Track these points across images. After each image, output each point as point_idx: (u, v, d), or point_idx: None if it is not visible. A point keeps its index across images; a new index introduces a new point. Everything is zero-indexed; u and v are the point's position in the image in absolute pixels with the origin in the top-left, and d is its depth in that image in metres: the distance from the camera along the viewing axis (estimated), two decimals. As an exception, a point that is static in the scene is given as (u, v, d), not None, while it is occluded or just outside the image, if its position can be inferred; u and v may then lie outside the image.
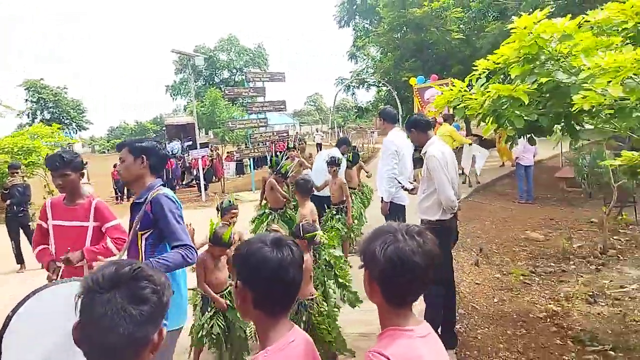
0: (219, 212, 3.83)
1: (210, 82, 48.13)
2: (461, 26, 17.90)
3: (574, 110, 2.93)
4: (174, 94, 52.00)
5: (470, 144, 10.78)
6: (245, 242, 1.37)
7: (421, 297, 3.73)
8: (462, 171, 11.90)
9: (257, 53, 50.68)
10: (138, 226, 2.42)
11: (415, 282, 1.24)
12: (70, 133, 50.72)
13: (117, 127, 74.71)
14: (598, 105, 2.80)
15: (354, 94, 26.34)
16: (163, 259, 2.25)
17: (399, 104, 17.95)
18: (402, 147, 4.77)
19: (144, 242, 2.43)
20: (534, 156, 9.87)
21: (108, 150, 57.17)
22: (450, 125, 10.67)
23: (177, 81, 49.75)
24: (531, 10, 12.19)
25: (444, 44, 17.32)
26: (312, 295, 3.32)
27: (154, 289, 1.08)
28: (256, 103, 14.49)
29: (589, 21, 3.37)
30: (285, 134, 18.20)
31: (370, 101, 26.96)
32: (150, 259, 2.25)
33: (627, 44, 3.04)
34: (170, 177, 17.50)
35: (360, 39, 23.98)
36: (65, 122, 50.51)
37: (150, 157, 2.49)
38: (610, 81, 2.55)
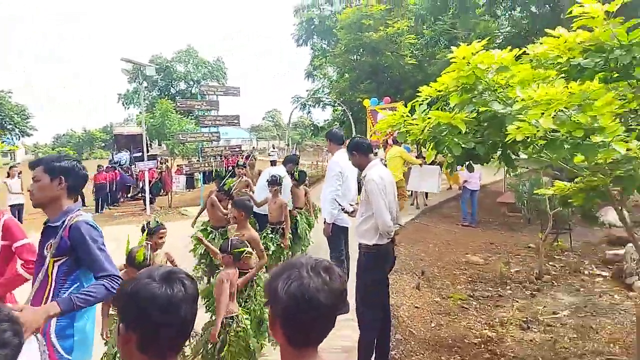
0: (145, 234, 3.61)
1: (166, 93, 47.04)
2: (415, 52, 18.46)
3: (509, 140, 3.00)
4: (126, 103, 50.42)
5: (420, 165, 10.98)
6: (128, 280, 1.24)
7: (356, 323, 3.68)
8: (411, 192, 12.12)
9: (215, 66, 50.17)
10: (53, 252, 2.20)
11: (320, 321, 1.16)
12: (12, 139, 47.95)
13: (63, 135, 71.43)
14: (531, 136, 2.87)
15: (309, 112, 26.52)
16: (85, 293, 2.06)
17: (353, 124, 18.16)
18: (346, 169, 4.74)
19: (56, 269, 2.21)
20: (479, 180, 10.17)
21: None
22: (400, 146, 10.85)
23: (131, 90, 48.28)
24: (479, 40, 12.79)
25: (398, 68, 17.78)
26: (233, 313, 3.20)
27: (15, 330, 0.95)
28: (209, 116, 14.21)
29: (528, 54, 3.49)
30: (238, 149, 17.96)
31: (326, 120, 27.22)
32: (72, 294, 2.06)
33: (561, 77, 3.16)
34: (115, 189, 16.76)
35: (317, 59, 24.23)
36: (8, 127, 47.74)
37: (69, 178, 2.26)
38: (543, 113, 2.61)
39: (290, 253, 5.91)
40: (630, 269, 5.70)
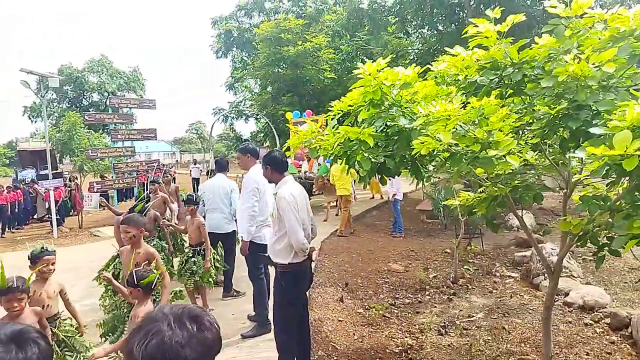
0: (30, 262, 3.23)
1: (77, 105, 44.19)
2: (334, 66, 18.87)
3: (416, 154, 3.08)
4: (32, 117, 46.58)
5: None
6: None
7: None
8: (336, 203, 12.25)
9: (132, 77, 47.93)
10: None
11: None
12: None
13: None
14: (435, 150, 2.97)
15: (232, 124, 26.07)
16: None
17: (277, 137, 18.12)
18: (264, 184, 4.64)
19: None
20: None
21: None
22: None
23: (37, 102, 44.69)
24: (393, 56, 13.34)
25: (318, 82, 18.10)
26: None
27: None
28: (122, 130, 13.48)
29: (432, 71, 3.63)
30: (156, 163, 17.16)
31: (252, 132, 26.94)
32: None
33: (461, 94, 3.31)
34: (17, 210, 15.29)
35: (237, 71, 23.97)
36: None
37: None
38: (445, 126, 2.70)
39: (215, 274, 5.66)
40: (537, 269, 6.12)
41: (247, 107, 23.28)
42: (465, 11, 13.23)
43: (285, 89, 18.74)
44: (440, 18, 13.86)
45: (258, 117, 22.34)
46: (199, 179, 19.36)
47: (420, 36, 16.09)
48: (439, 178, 7.79)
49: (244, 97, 24.34)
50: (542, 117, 2.81)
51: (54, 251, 3.29)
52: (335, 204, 12.26)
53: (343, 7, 18.65)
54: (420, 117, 2.80)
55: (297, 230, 3.29)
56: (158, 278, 3.20)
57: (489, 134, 2.59)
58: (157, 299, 3.67)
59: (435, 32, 14.78)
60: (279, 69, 19.15)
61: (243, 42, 23.10)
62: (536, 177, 3.58)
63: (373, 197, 15.04)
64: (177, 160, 56.54)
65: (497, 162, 2.67)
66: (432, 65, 3.64)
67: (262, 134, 23.76)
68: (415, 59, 13.71)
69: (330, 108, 3.65)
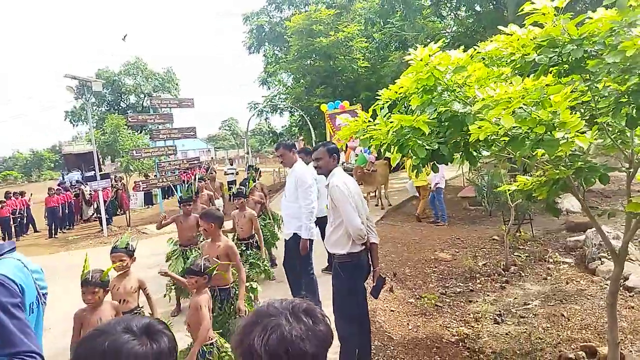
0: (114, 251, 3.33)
1: (116, 108, 45.65)
2: (367, 55, 18.67)
3: (472, 139, 3.01)
4: (74, 121, 48.47)
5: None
6: (97, 333, 1.04)
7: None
8: (375, 193, 12.20)
9: (166, 78, 49.08)
10: None
11: None
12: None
13: (9, 157, 67.86)
14: (493, 134, 2.89)
15: (267, 118, 26.30)
16: None
17: (312, 129, 18.14)
18: (315, 179, 4.68)
19: None
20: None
21: (-1, 182, 51.63)
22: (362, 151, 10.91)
23: (77, 107, 46.41)
24: (428, 40, 13.08)
25: (352, 72, 17.95)
26: (212, 340, 3.03)
27: None
28: (163, 130, 13.82)
29: (480, 53, 3.53)
30: (196, 161, 17.54)
31: (284, 126, 27.07)
32: None
33: (516, 74, 3.21)
34: (67, 211, 15.98)
35: (270, 66, 24.07)
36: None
37: None
38: (503, 111, 2.62)
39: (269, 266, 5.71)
40: (592, 254, 5.90)
41: (281, 101, 23.39)
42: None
43: (319, 81, 18.69)
44: (477, -2, 13.47)
45: (292, 110, 22.42)
46: (235, 181, 16.62)
47: (455, 18, 15.68)
48: (484, 163, 7.60)
49: (278, 92, 24.47)
50: (609, 94, 2.68)
51: (126, 248, 3.32)
52: (374, 194, 12.19)
53: (375, -6, 18.40)
54: (478, 102, 2.73)
55: (354, 218, 3.27)
56: (217, 270, 3.29)
57: (554, 114, 2.50)
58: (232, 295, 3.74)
59: (472, 13, 14.36)
60: (312, 61, 19.11)
61: (275, 36, 23.15)
62: (598, 157, 3.45)
63: (412, 186, 14.85)
64: (212, 157, 57.59)
65: (562, 143, 2.58)
66: (478, 46, 3.54)
67: (296, 128, 23.84)
68: (452, 41, 13.37)
69: (377, 96, 3.62)
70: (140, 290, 3.34)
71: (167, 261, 5.49)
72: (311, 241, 4.54)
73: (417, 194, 10.62)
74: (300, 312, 1.04)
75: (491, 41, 3.43)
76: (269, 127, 28.70)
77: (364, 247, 3.42)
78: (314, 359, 1.00)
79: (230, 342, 3.37)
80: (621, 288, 5.13)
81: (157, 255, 6.91)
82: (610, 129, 3.26)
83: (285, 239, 4.85)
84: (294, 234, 4.60)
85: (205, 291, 3.18)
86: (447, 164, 3.71)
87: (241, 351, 1.02)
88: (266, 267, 5.37)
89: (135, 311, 3.34)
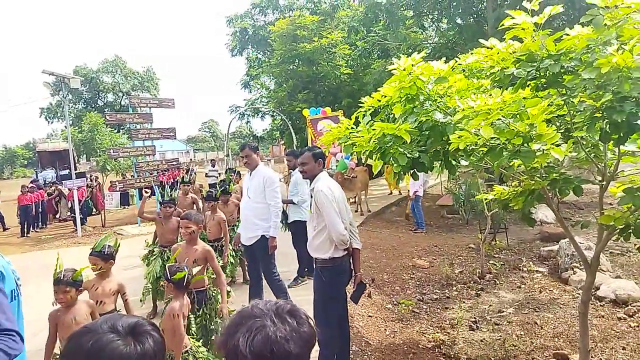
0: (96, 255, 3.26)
1: (93, 106, 44.86)
2: (349, 62, 18.82)
3: (451, 148, 3.07)
4: (49, 117, 47.43)
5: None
6: (84, 331, 1.03)
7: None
8: (354, 199, 12.26)
9: (146, 77, 48.49)
10: None
11: None
12: None
13: (-22, 153, 65.82)
14: (472, 144, 2.96)
15: (248, 122, 26.20)
16: None
17: (293, 134, 18.15)
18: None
19: None
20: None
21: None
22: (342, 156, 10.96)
23: (54, 104, 45.43)
24: (410, 50, 13.26)
25: (334, 78, 18.08)
26: (186, 347, 2.99)
27: None
28: (142, 130, 13.62)
29: (461, 64, 3.61)
30: (175, 162, 17.33)
31: (265, 129, 26.99)
32: None
33: (495, 86, 3.29)
34: (40, 210, 15.57)
35: (253, 69, 24.04)
36: None
37: None
38: (484, 121, 2.68)
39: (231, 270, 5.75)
40: (565, 263, 6.06)
41: (263, 105, 23.35)
42: (485, 4, 13.09)
43: (301, 86, 18.74)
44: (458, 11, 13.73)
45: (274, 114, 22.40)
46: (215, 184, 16.72)
47: (437, 30, 15.95)
48: (462, 172, 7.74)
49: (260, 95, 24.43)
50: (584, 109, 2.78)
51: (100, 252, 3.25)
52: (353, 200, 12.25)
53: (360, 3, 18.57)
54: (459, 112, 2.79)
55: (337, 223, 3.30)
56: (190, 276, 3.24)
57: (531, 127, 2.57)
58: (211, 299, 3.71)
59: (454, 26, 14.65)
60: (295, 66, 19.16)
61: (258, 39, 23.15)
62: (572, 170, 3.56)
63: (391, 193, 15.00)
64: (191, 159, 57.01)
65: (538, 155, 2.66)
66: (459, 58, 3.62)
67: (277, 132, 23.82)
68: (433, 52, 13.59)
69: (360, 103, 3.66)
70: (119, 294, 3.28)
71: (143, 262, 5.41)
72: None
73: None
74: (284, 313, 1.05)
75: (472, 54, 3.52)
76: (249, 130, 28.61)
77: (346, 252, 3.44)
78: (298, 359, 1.01)
79: (210, 344, 3.35)
80: (592, 297, 5.28)
81: (134, 257, 6.79)
82: (584, 142, 3.37)
83: (245, 244, 4.79)
84: (262, 236, 4.56)
85: (183, 297, 3.13)
86: (426, 172, 3.78)
87: (226, 352, 1.02)
88: (229, 270, 5.35)
89: (111, 313, 3.28)
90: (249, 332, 1.00)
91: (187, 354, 2.91)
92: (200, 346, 3.09)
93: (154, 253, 5.29)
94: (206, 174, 17.06)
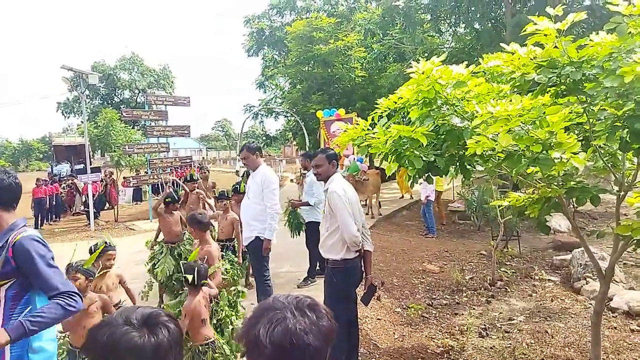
0: (93, 256, 3.33)
1: (109, 102, 45.36)
2: (365, 64, 18.79)
3: (468, 153, 3.06)
4: (66, 112, 48.07)
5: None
6: (101, 324, 1.06)
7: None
8: (365, 202, 12.24)
9: (162, 75, 48.92)
10: None
11: None
12: None
13: (-2, 145, 67.06)
14: (489, 150, 2.94)
15: (262, 122, 26.31)
16: (38, 315, 1.87)
17: (306, 135, 18.17)
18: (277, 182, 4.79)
19: (2, 293, 2.01)
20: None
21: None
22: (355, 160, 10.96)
23: (71, 99, 46.03)
24: (426, 54, 13.21)
25: (349, 80, 18.05)
26: (208, 340, 3.03)
27: None
28: (157, 127, 13.76)
29: (481, 68, 3.59)
30: (188, 160, 17.47)
31: (278, 130, 27.05)
32: (23, 319, 1.85)
33: (514, 92, 3.27)
34: (55, 203, 15.80)
35: (268, 69, 24.11)
36: None
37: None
38: (502, 127, 2.66)
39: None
40: (578, 273, 5.98)
41: (277, 105, 23.41)
42: (504, 9, 13.00)
43: (316, 87, 18.74)
44: (477, 16, 13.65)
45: (287, 115, 22.45)
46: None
47: (454, 34, 15.88)
48: (475, 178, 7.69)
49: (275, 95, 24.49)
50: (605, 117, 2.75)
51: (115, 246, 3.43)
52: (364, 202, 12.23)
53: (377, 6, 18.54)
54: (477, 117, 2.77)
55: (350, 224, 3.31)
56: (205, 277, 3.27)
57: (551, 134, 2.55)
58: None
59: (471, 31, 14.56)
60: (310, 67, 19.17)
61: (274, 40, 23.20)
62: (588, 179, 3.52)
63: (402, 197, 14.94)
64: (203, 157, 57.40)
65: (556, 163, 2.64)
66: (480, 62, 3.60)
67: (290, 133, 23.86)
68: (449, 57, 13.52)
69: (376, 105, 3.66)
70: (120, 283, 3.39)
71: (151, 262, 5.39)
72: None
73: None
74: (304, 307, 1.07)
75: (493, 58, 3.50)
76: (262, 130, 28.69)
77: (358, 254, 3.44)
78: (316, 352, 1.03)
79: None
80: (605, 308, 5.20)
81: (145, 252, 6.85)
82: (602, 151, 3.33)
83: (245, 245, 4.85)
84: (256, 237, 4.58)
85: (196, 294, 3.15)
86: (441, 176, 3.77)
87: (246, 342, 1.05)
88: (239, 272, 5.33)
89: (117, 306, 3.39)
90: (269, 323, 1.02)
91: (207, 346, 2.95)
92: (224, 343, 3.11)
93: (161, 250, 5.33)
94: (236, 170, 16.74)
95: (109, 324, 1.03)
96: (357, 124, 3.60)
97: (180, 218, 5.34)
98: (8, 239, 2.01)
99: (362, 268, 3.55)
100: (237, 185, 6.17)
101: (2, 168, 2.16)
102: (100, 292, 3.21)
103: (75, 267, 2.86)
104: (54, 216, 15.93)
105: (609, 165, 3.32)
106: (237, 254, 5.23)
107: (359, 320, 4.84)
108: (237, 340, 1.11)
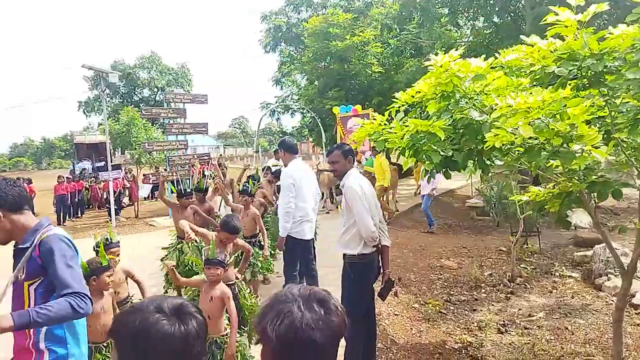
0: (97, 253, 3.32)
1: (129, 100, 45.98)
2: (381, 60, 18.69)
3: (486, 147, 3.03)
4: (87, 111, 48.93)
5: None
6: (132, 310, 1.08)
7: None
8: (382, 198, 12.20)
9: (180, 73, 49.40)
10: (23, 275, 2.02)
11: None
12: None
13: (21, 144, 68.71)
14: (508, 144, 2.91)
15: (278, 119, 26.39)
16: (45, 308, 1.85)
17: (322, 131, 18.18)
18: (300, 179, 4.67)
19: (32, 293, 2.03)
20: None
21: (10, 168, 52.14)
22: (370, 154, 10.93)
23: (92, 97, 46.84)
24: (444, 49, 13.07)
25: (365, 76, 17.95)
26: (226, 331, 3.08)
27: None
28: (175, 124, 13.90)
29: (499, 61, 3.55)
30: (206, 157, 17.60)
31: (295, 127, 27.11)
32: (31, 309, 1.85)
33: (534, 85, 3.23)
34: (77, 200, 16.13)
35: (285, 66, 24.15)
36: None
37: (4, 204, 2.03)
38: (522, 119, 2.64)
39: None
40: (599, 270, 5.88)
41: (293, 102, 23.45)
42: (523, 2, 12.78)
43: (332, 84, 18.71)
44: (495, 10, 13.44)
45: (304, 111, 22.47)
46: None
47: (472, 28, 15.67)
48: (494, 174, 7.61)
49: (291, 92, 24.52)
50: (627, 110, 2.70)
51: (118, 242, 3.49)
52: (381, 198, 12.19)
53: (394, 0, 18.40)
54: (496, 110, 2.75)
55: (366, 219, 3.31)
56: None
57: (572, 127, 2.52)
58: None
59: (490, 24, 14.36)
60: (326, 63, 19.14)
61: (291, 37, 23.21)
62: (610, 173, 3.45)
63: (419, 193, 14.84)
64: (221, 154, 57.90)
65: (577, 156, 2.60)
66: (499, 55, 3.56)
67: (306, 129, 23.90)
68: (467, 51, 13.37)
69: (394, 100, 3.64)
70: (129, 278, 3.46)
71: (166, 257, 5.41)
72: (302, 241, 4.65)
73: None
74: (314, 301, 1.07)
75: (512, 51, 3.45)
76: (279, 127, 28.75)
77: (375, 249, 3.45)
78: (323, 348, 1.03)
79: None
80: (627, 305, 5.11)
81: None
82: (624, 145, 3.27)
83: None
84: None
85: (221, 283, 3.21)
86: (459, 171, 3.74)
87: (257, 331, 1.07)
88: (267, 266, 5.36)
89: (126, 301, 3.50)
90: (276, 316, 1.03)
91: (225, 337, 3.02)
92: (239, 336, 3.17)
93: (173, 245, 5.38)
94: (269, 167, 16.71)
95: (140, 311, 1.06)
96: (374, 119, 3.60)
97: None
98: (34, 239, 2.06)
99: (380, 263, 3.55)
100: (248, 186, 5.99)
101: (8, 179, 2.17)
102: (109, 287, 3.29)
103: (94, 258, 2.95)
104: (76, 212, 16.25)
105: (632, 159, 3.26)
106: (262, 249, 5.25)
107: (376, 315, 4.89)
108: (253, 327, 1.14)
